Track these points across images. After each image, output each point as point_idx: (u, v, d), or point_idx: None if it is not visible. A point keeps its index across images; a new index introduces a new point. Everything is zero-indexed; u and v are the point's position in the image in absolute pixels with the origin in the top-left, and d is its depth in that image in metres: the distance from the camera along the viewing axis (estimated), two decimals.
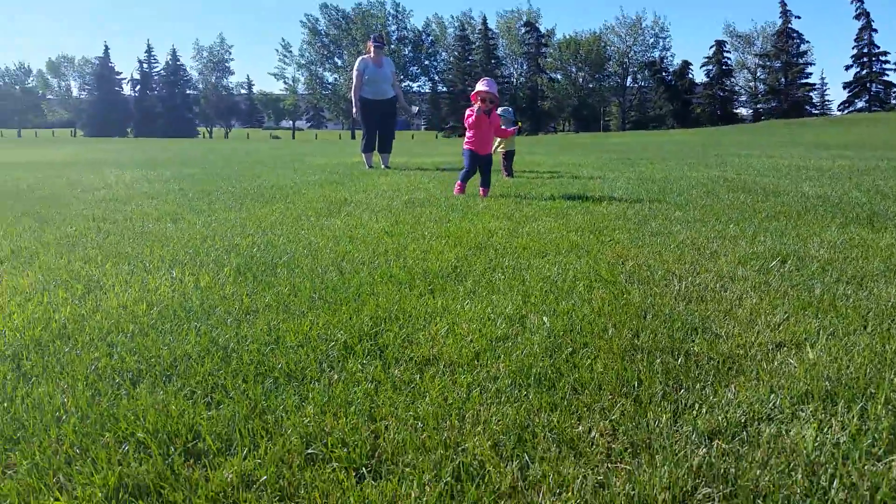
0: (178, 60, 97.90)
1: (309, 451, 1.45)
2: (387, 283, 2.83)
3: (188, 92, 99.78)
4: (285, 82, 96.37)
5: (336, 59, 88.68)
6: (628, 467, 1.35)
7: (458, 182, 6.54)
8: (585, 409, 1.62)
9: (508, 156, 8.91)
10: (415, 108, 10.74)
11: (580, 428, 1.52)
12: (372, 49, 10.53)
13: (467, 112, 6.51)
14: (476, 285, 2.82)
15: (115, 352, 2.08)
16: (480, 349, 2.01)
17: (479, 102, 6.41)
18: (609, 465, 1.36)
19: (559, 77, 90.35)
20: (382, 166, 10.68)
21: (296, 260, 3.35)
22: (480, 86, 6.37)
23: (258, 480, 1.34)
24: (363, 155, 10.89)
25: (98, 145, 33.05)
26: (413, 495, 1.25)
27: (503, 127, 7.69)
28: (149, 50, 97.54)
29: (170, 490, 1.32)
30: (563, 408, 1.62)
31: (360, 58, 10.58)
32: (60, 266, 3.27)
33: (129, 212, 5.37)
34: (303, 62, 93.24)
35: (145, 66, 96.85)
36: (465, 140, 6.73)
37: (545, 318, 2.30)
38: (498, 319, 2.31)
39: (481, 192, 6.42)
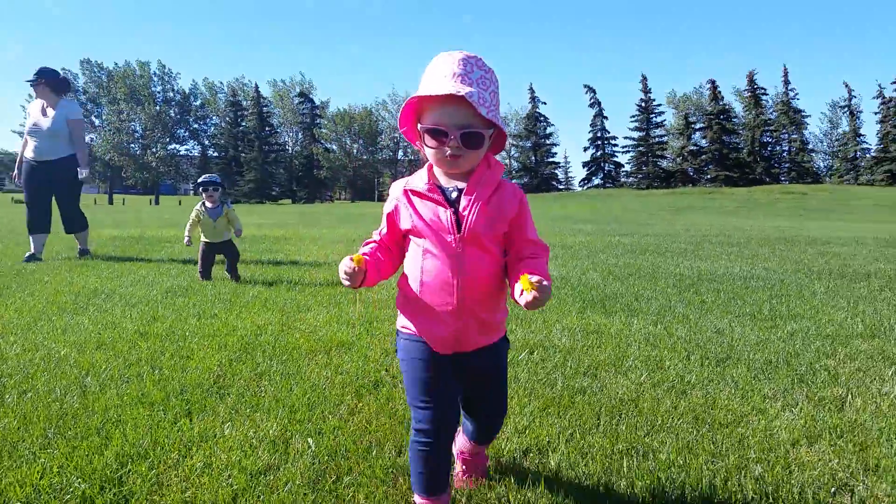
0: None
1: None
2: (137, 406, 2.59)
3: None
4: None
5: (94, 119, 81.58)
6: None
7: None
8: None
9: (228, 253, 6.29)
10: (84, 172, 7.44)
11: None
12: (33, 91, 7.40)
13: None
14: (239, 401, 2.70)
15: None
16: (239, 489, 1.92)
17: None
18: None
19: (334, 147, 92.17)
20: (78, 250, 7.89)
21: (31, 378, 2.94)
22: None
23: None
24: (29, 237, 7.53)
25: None
26: None
27: (224, 207, 6.05)
28: None
29: None
30: None
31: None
32: None
33: None
34: None
35: None
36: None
37: (310, 441, 2.27)
38: (260, 446, 2.23)
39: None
